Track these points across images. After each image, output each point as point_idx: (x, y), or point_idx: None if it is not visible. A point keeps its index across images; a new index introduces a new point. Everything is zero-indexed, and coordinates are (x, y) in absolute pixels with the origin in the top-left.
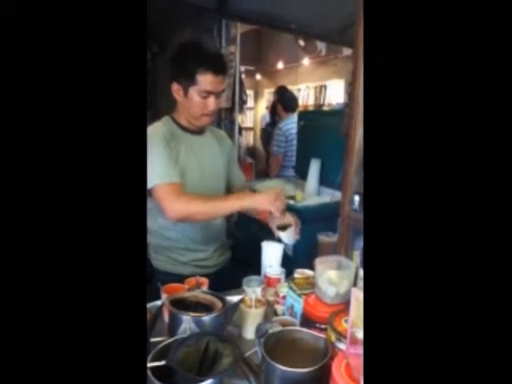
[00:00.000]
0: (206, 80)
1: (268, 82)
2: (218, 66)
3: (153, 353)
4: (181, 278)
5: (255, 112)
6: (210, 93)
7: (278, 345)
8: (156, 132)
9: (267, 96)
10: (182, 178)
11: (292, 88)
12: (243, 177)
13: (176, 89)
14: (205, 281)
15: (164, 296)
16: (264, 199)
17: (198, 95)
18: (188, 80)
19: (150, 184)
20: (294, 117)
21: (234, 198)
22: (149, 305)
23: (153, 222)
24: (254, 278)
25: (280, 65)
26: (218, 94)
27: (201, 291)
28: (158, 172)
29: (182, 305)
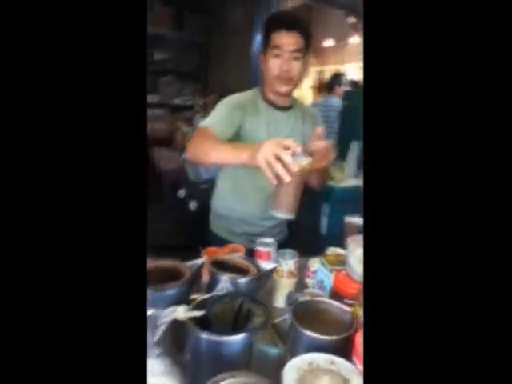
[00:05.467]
0: (277, 36)
1: (314, 60)
2: (291, 21)
3: (193, 305)
4: None
5: (300, 90)
6: (281, 49)
7: (306, 313)
8: (235, 96)
9: (313, 74)
10: None
11: (338, 68)
12: None
13: (261, 60)
14: (241, 248)
15: (203, 257)
16: (260, 156)
17: (272, 55)
18: (265, 44)
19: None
20: (330, 99)
21: (237, 151)
22: (189, 263)
23: (217, 189)
24: (288, 251)
25: (328, 42)
26: (293, 54)
27: (238, 256)
28: (208, 119)
29: (220, 266)
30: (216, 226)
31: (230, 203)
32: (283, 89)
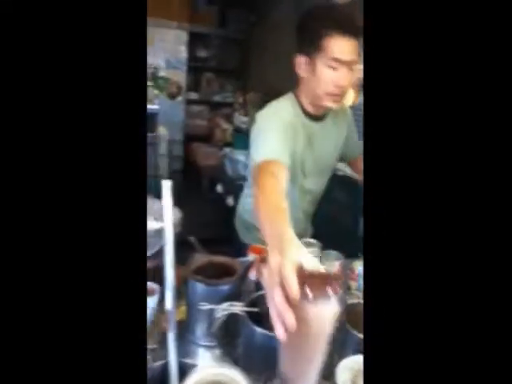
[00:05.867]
0: (335, 44)
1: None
2: (350, 26)
3: (247, 300)
4: None
5: None
6: (340, 62)
7: (354, 315)
8: (279, 113)
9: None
10: (296, 169)
11: None
12: (358, 149)
13: (300, 62)
14: None
15: (251, 255)
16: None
17: (326, 65)
18: (314, 48)
19: (257, 158)
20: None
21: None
22: (241, 259)
23: (245, 197)
24: (333, 252)
25: None
26: (350, 65)
27: None
28: (267, 148)
29: None
30: (248, 237)
31: None
32: (332, 105)
